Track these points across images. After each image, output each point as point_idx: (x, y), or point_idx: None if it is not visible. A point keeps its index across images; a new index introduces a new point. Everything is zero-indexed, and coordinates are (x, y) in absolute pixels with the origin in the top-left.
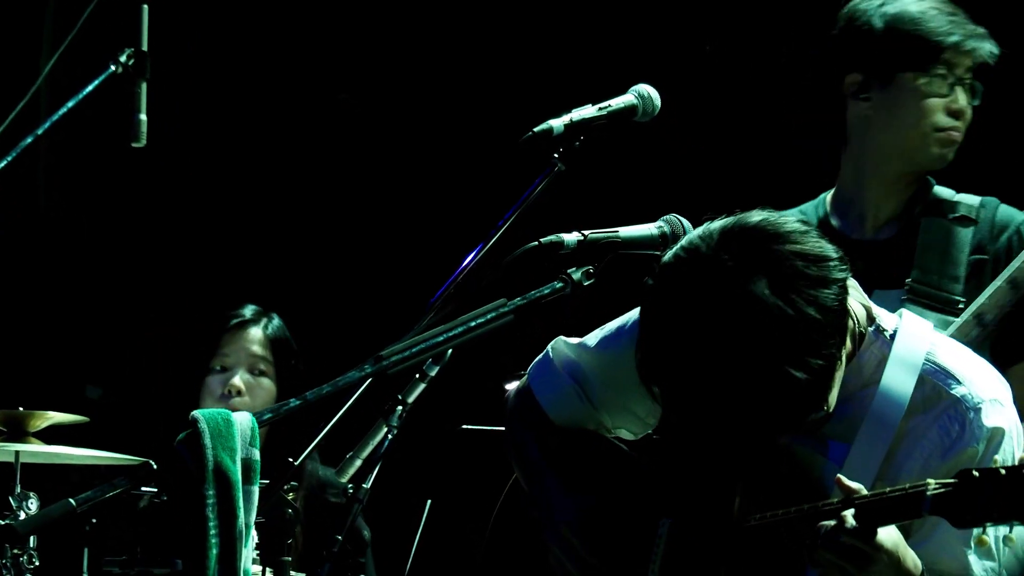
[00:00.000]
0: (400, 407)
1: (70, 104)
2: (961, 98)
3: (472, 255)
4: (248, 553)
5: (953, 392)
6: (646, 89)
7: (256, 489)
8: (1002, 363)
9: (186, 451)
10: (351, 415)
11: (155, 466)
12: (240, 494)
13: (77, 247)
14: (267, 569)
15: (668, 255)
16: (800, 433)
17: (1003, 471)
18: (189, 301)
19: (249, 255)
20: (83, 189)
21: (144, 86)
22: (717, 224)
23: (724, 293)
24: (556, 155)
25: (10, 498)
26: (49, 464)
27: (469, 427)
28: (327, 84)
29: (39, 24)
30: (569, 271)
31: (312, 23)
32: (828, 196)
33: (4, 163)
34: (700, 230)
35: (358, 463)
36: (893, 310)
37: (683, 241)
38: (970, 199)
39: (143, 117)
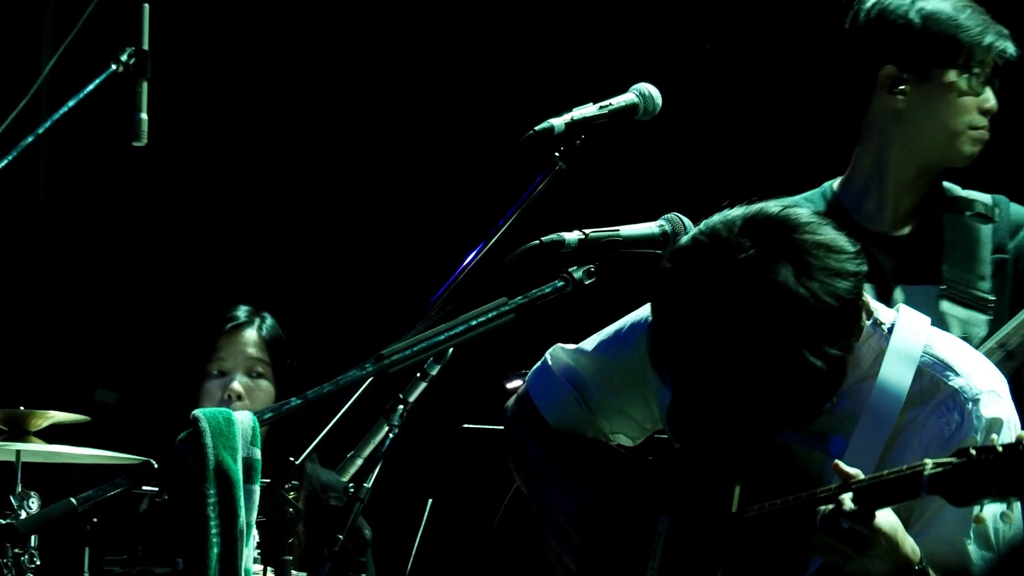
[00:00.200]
0: (401, 406)
1: (71, 103)
2: (991, 97)
3: (473, 254)
4: (249, 552)
5: (951, 383)
6: (647, 88)
7: (257, 488)
8: None
9: (187, 450)
10: (352, 414)
11: (156, 465)
12: (241, 493)
13: (77, 246)
14: (268, 568)
15: (685, 239)
16: (797, 429)
17: (1000, 448)
18: (190, 300)
19: (251, 254)
20: (84, 188)
21: (145, 85)
22: (737, 212)
23: (746, 277)
24: (557, 154)
25: (11, 497)
26: (50, 463)
27: (470, 426)
28: (327, 84)
29: (40, 23)
30: (570, 270)
31: (312, 22)
32: (834, 186)
33: (5, 162)
34: (719, 216)
35: (359, 462)
36: (925, 306)
37: (701, 226)
38: (982, 196)
39: (144, 116)
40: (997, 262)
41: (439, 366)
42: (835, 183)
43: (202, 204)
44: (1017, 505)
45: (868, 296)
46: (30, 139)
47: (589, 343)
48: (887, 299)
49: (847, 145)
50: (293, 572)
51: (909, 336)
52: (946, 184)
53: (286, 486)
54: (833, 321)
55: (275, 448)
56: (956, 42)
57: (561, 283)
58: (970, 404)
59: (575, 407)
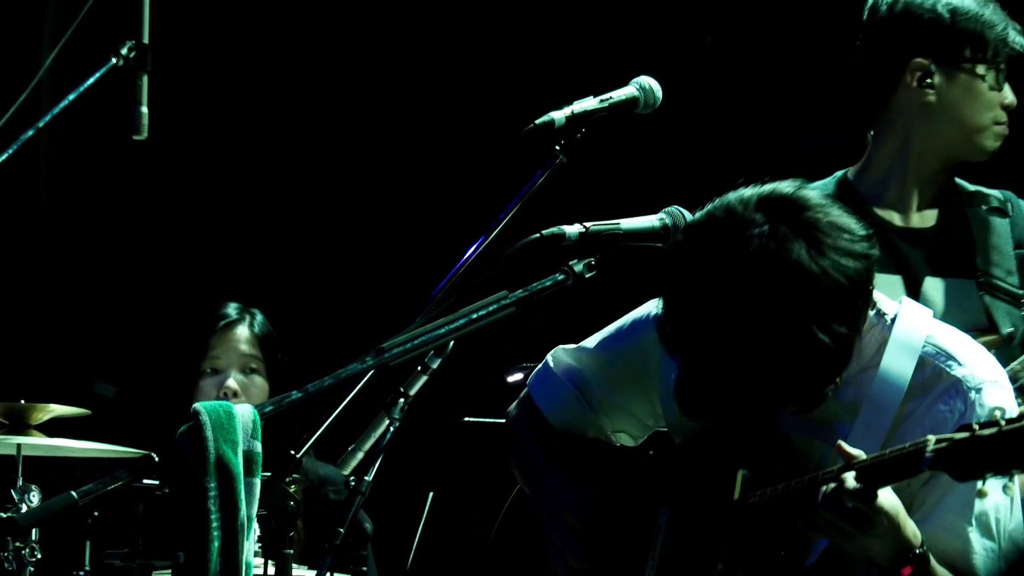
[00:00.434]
0: (402, 399)
1: (71, 97)
2: (1010, 93)
3: (474, 247)
4: (250, 546)
5: (954, 373)
6: (647, 81)
7: (258, 481)
8: None
9: (188, 443)
10: (353, 407)
11: (157, 458)
12: (242, 486)
13: (78, 240)
14: (269, 561)
15: (700, 214)
16: (798, 418)
17: (1004, 422)
18: (189, 294)
19: (253, 249)
20: (84, 182)
21: (145, 78)
22: (751, 190)
23: (760, 251)
24: (558, 147)
25: (12, 491)
26: (51, 457)
27: (471, 419)
28: (328, 77)
29: (40, 17)
30: (571, 263)
31: (312, 14)
32: (848, 176)
33: (5, 156)
34: (733, 193)
35: (360, 455)
36: (964, 299)
37: (716, 202)
38: (993, 191)
39: (144, 110)
40: (1019, 257)
41: (440, 359)
42: (849, 172)
43: (201, 197)
44: (1018, 497)
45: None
46: (30, 133)
47: (591, 341)
48: (916, 290)
49: (847, 145)
50: (293, 565)
51: (911, 327)
52: (956, 179)
53: (287, 479)
54: (842, 300)
55: (272, 442)
56: (983, 37)
57: (562, 276)
58: (973, 393)
59: (577, 407)
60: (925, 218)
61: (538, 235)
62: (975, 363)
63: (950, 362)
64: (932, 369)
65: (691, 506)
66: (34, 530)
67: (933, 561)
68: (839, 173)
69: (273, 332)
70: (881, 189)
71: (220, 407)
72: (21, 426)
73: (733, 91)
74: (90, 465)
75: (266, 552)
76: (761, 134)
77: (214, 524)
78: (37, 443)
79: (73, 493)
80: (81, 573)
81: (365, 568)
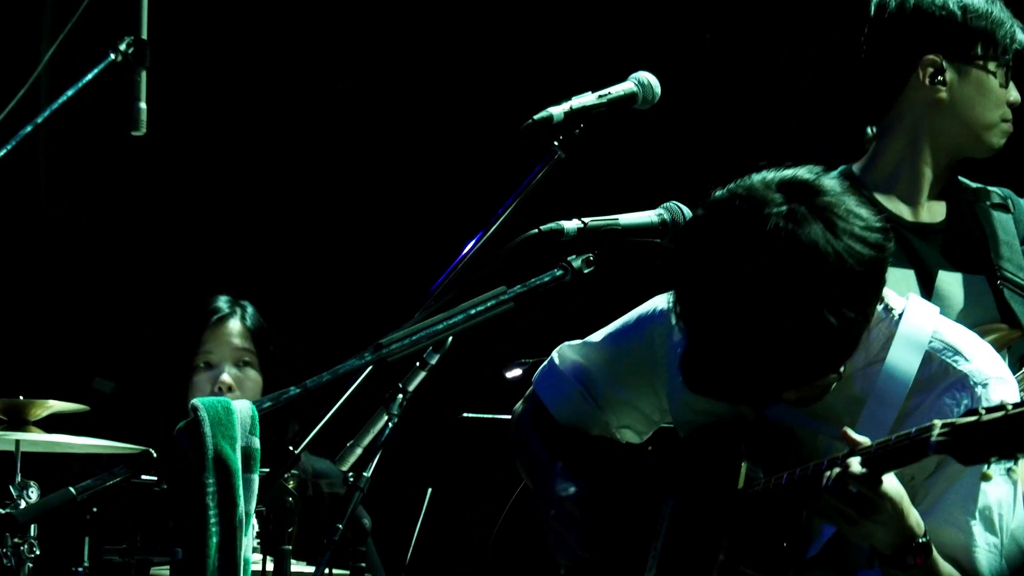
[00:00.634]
0: (400, 395)
1: (70, 93)
2: (1015, 90)
3: (472, 243)
4: (248, 542)
5: (961, 368)
6: (646, 77)
7: (256, 477)
8: None
9: (186, 440)
10: (351, 403)
11: (155, 455)
12: (240, 482)
13: (76, 236)
14: (267, 557)
15: (720, 192)
16: (802, 411)
17: (1010, 406)
18: (189, 291)
19: (252, 246)
20: (83, 179)
21: (144, 74)
22: (772, 173)
23: (777, 229)
24: (556, 143)
25: (10, 487)
26: (49, 453)
27: (470, 415)
28: (327, 73)
29: (39, 12)
30: (569, 259)
31: (310, 9)
32: (853, 171)
33: (4, 152)
34: (755, 175)
35: (358, 451)
36: (978, 294)
37: (737, 181)
38: (993, 188)
39: (143, 105)
40: None
41: (438, 355)
42: (853, 167)
43: (200, 192)
44: (1020, 491)
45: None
46: (29, 128)
47: (596, 336)
48: (930, 284)
49: (847, 145)
50: (292, 561)
51: (918, 322)
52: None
53: (285, 476)
54: (854, 284)
55: (272, 438)
56: (994, 35)
57: (560, 272)
58: (979, 388)
59: (582, 403)
60: (934, 213)
61: (536, 231)
62: (982, 359)
63: (957, 357)
64: (939, 364)
65: (695, 497)
66: (32, 526)
67: (935, 552)
68: (841, 168)
69: (264, 324)
70: (889, 184)
71: (218, 403)
72: (20, 422)
73: (732, 89)
74: (89, 461)
75: (264, 548)
76: (761, 133)
77: (212, 520)
78: (36, 439)
79: (71, 489)
80: (80, 569)
81: (364, 564)
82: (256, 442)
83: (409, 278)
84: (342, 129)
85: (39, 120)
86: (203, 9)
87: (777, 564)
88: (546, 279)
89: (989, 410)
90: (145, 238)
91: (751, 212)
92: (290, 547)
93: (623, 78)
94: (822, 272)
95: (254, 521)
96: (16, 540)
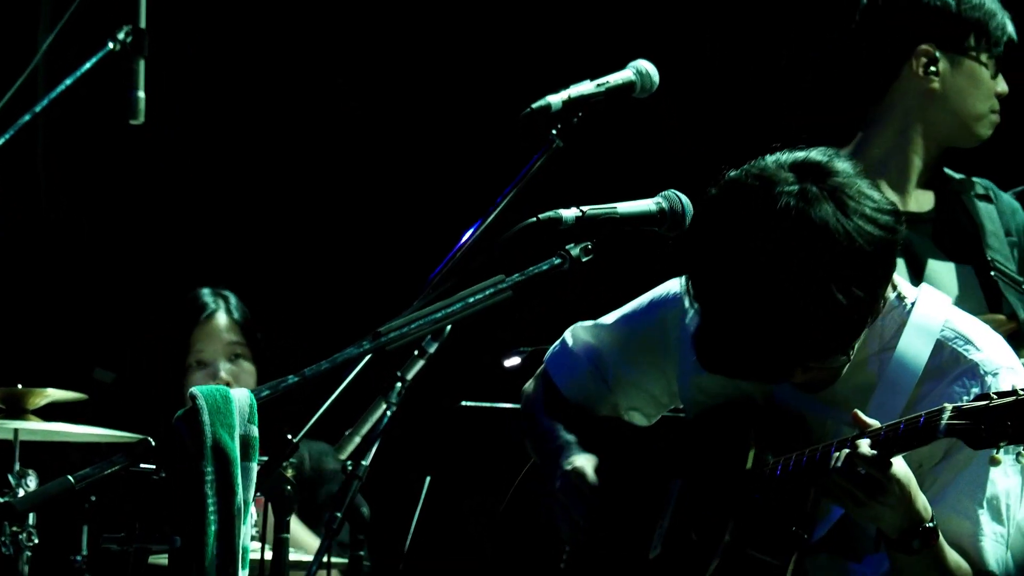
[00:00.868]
0: (399, 384)
1: (68, 81)
2: (1003, 82)
3: (471, 231)
4: (247, 530)
5: (971, 357)
6: (644, 65)
7: (254, 466)
8: None
9: (185, 428)
10: (350, 392)
11: (154, 443)
12: (239, 471)
13: (75, 226)
14: (266, 545)
15: (735, 172)
16: (812, 397)
17: (1021, 391)
18: (188, 279)
19: (251, 236)
20: (81, 168)
21: (142, 63)
22: (785, 154)
23: (788, 208)
24: (554, 131)
25: (9, 476)
26: (48, 442)
27: (468, 404)
28: (325, 64)
29: (36, 2)
30: (567, 247)
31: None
32: None
33: (2, 141)
34: (767, 156)
35: (357, 440)
36: (966, 284)
37: (752, 162)
38: (976, 179)
39: (141, 94)
40: (1010, 244)
41: (437, 343)
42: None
43: (199, 181)
44: None
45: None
46: (27, 117)
47: (609, 317)
48: (919, 273)
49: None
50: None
51: (930, 311)
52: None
53: (283, 464)
54: (863, 263)
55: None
56: (987, 26)
57: (558, 260)
58: (990, 377)
59: (592, 383)
60: (922, 202)
61: (535, 219)
62: (992, 349)
63: (968, 346)
64: (950, 353)
65: (703, 477)
66: (31, 515)
67: (942, 539)
68: None
69: (249, 313)
70: (877, 173)
71: (217, 391)
72: (18, 411)
73: (733, 93)
74: (87, 450)
75: (263, 536)
76: (760, 134)
77: (211, 508)
78: (34, 428)
79: (70, 478)
80: (78, 557)
81: (363, 553)
82: (255, 430)
83: (407, 267)
84: (340, 119)
85: (37, 109)
86: (201, 7)
87: (783, 546)
88: (544, 267)
89: (1000, 395)
90: (143, 227)
91: (763, 191)
92: (287, 535)
93: (621, 67)
94: (832, 250)
95: (252, 509)
96: (15, 529)
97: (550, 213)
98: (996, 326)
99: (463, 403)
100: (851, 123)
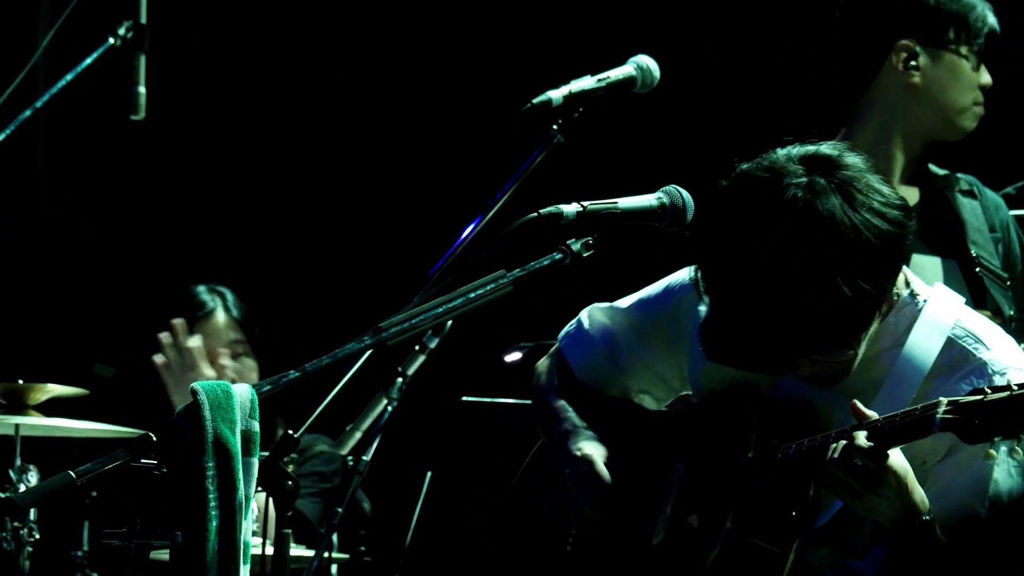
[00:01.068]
0: (400, 379)
1: (69, 77)
2: (987, 74)
3: (471, 227)
4: (248, 525)
5: (981, 356)
6: (645, 60)
7: (256, 461)
8: None
9: (186, 423)
10: (351, 387)
11: (155, 438)
12: (240, 466)
13: (76, 221)
14: (267, 540)
15: (747, 164)
16: (818, 389)
17: (1015, 387)
18: (189, 275)
19: (252, 231)
20: (82, 163)
21: (142, 59)
22: (796, 147)
23: (795, 200)
24: (555, 126)
25: (10, 471)
26: (49, 437)
27: (469, 399)
28: (325, 64)
29: None
30: (568, 242)
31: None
32: None
33: (3, 136)
34: (779, 149)
35: (358, 435)
36: (950, 278)
37: (764, 155)
38: (960, 175)
39: (142, 90)
40: (994, 240)
41: (438, 339)
42: None
43: (199, 177)
44: None
45: (908, 270)
46: (28, 113)
47: (625, 301)
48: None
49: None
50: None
51: (942, 309)
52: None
53: (284, 459)
54: (869, 257)
55: (271, 421)
56: (966, 18)
57: (559, 255)
58: (997, 376)
59: (604, 364)
60: (905, 197)
61: (535, 214)
62: (1002, 349)
63: (978, 345)
64: (960, 351)
65: (705, 464)
66: (32, 510)
67: (939, 531)
68: None
69: (245, 308)
70: None
71: (218, 387)
72: (19, 406)
73: (733, 93)
74: (88, 445)
75: (264, 531)
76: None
77: (212, 504)
78: (35, 423)
79: (71, 473)
80: (79, 553)
81: (364, 548)
82: (256, 425)
83: (408, 262)
84: (340, 115)
85: (38, 104)
86: (201, 5)
87: (784, 534)
88: (545, 263)
89: (994, 389)
90: (142, 222)
91: (771, 182)
92: (290, 530)
93: (622, 62)
94: (838, 243)
95: (253, 505)
96: (16, 524)
97: (551, 208)
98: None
99: (464, 399)
100: (839, 120)
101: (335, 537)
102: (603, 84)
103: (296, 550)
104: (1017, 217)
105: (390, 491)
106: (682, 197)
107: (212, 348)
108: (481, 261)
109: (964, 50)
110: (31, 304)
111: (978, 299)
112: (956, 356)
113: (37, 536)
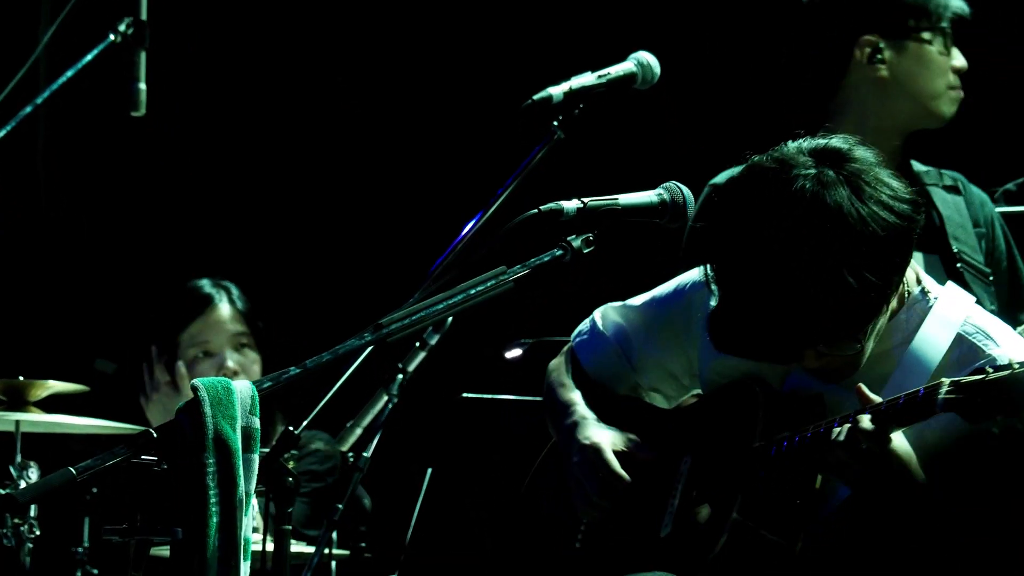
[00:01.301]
0: (400, 375)
1: (70, 73)
2: (960, 55)
3: (472, 223)
4: (248, 521)
5: (990, 352)
6: (645, 57)
7: (256, 457)
8: None
9: (186, 420)
10: (351, 384)
11: (155, 435)
12: (240, 462)
13: (77, 218)
14: (267, 537)
15: (758, 157)
16: (823, 381)
17: (1016, 365)
18: (190, 270)
19: (253, 227)
20: (82, 160)
21: (143, 55)
22: (807, 140)
23: (803, 191)
24: (556, 123)
25: (10, 467)
26: (49, 433)
27: (469, 395)
28: (325, 62)
29: None
30: (569, 239)
31: None
32: None
33: (3, 133)
34: (790, 142)
35: (358, 432)
36: (932, 274)
37: (775, 148)
38: (944, 171)
39: (142, 86)
40: (978, 235)
41: (438, 335)
42: None
43: (200, 174)
44: None
45: (919, 268)
46: (28, 109)
47: (637, 299)
48: None
49: None
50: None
51: (952, 306)
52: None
53: (285, 456)
54: (876, 249)
55: (271, 417)
56: (925, 7)
57: (560, 252)
58: None
59: (616, 362)
60: None
61: (536, 211)
62: (1011, 345)
63: (987, 341)
64: (969, 346)
65: (712, 455)
66: (32, 507)
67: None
68: None
69: (249, 302)
70: None
71: (219, 383)
72: (20, 402)
73: (733, 92)
74: (89, 441)
75: (264, 528)
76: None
77: (212, 500)
78: (36, 419)
79: (72, 469)
80: (80, 549)
81: (364, 544)
82: (256, 422)
83: (409, 258)
84: (340, 112)
85: (39, 100)
86: (201, 4)
87: (790, 524)
88: (546, 259)
89: (996, 368)
90: (143, 219)
91: (780, 174)
92: (290, 527)
93: (623, 59)
94: (845, 235)
95: (254, 501)
96: (16, 520)
97: (551, 205)
98: None
99: (464, 395)
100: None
101: (335, 534)
102: (604, 80)
103: (296, 546)
104: (1020, 213)
105: (390, 487)
106: (682, 193)
107: (214, 341)
108: (482, 257)
109: (927, 36)
110: (31, 300)
111: None
112: (966, 352)
113: (37, 532)
